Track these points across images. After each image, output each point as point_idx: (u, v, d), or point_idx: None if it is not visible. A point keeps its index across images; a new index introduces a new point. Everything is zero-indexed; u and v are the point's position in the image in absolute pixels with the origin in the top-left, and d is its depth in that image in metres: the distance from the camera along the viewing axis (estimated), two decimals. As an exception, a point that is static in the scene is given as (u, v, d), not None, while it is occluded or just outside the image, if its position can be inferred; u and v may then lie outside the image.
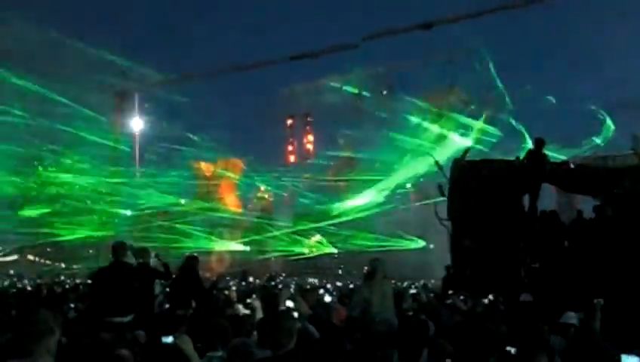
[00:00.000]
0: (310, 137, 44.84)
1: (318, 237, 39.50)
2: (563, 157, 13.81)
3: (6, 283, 21.54)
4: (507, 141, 33.09)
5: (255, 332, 5.49)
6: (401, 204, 36.21)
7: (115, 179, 37.46)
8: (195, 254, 9.45)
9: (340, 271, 35.26)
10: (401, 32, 34.61)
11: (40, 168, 36.65)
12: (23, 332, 3.83)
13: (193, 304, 7.74)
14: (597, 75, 56.73)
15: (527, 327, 4.88)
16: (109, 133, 38.80)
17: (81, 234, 35.00)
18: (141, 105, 41.44)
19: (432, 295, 10.87)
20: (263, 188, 44.16)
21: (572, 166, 10.74)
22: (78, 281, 18.97)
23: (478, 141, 33.69)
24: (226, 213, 42.23)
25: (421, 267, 29.80)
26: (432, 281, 19.28)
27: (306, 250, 39.40)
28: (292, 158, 45.28)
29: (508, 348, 4.45)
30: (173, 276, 8.11)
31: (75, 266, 34.23)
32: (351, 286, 17.66)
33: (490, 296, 7.51)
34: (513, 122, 35.24)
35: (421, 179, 33.00)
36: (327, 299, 9.15)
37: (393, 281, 13.38)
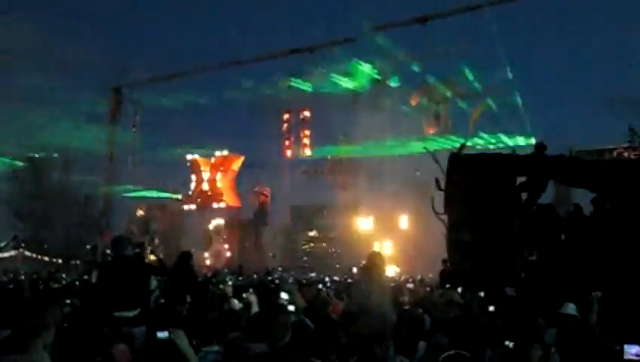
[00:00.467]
0: (307, 132, 44.78)
1: (314, 232, 39.60)
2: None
3: (4, 278, 21.49)
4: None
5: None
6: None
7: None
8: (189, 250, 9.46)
9: (338, 266, 35.29)
10: (398, 26, 34.59)
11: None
12: (20, 328, 3.83)
13: (188, 299, 7.74)
14: (593, 69, 56.80)
15: (523, 321, 4.88)
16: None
17: None
18: (136, 102, 41.34)
19: (428, 289, 10.89)
20: (260, 183, 44.16)
21: (568, 158, 10.74)
22: (72, 279, 18.90)
23: (474, 134, 33.69)
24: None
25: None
26: (430, 276, 19.30)
27: (304, 245, 39.50)
28: (289, 153, 45.21)
29: (506, 343, 4.46)
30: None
31: (72, 262, 34.20)
32: (349, 280, 17.66)
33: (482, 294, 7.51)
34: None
35: (417, 173, 32.97)
36: (324, 293, 9.16)
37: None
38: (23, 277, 20.77)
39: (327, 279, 20.68)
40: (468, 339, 4.45)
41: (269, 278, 17.98)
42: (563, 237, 9.60)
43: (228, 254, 40.02)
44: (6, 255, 36.49)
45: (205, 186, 43.59)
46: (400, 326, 5.44)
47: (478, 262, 9.32)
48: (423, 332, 5.07)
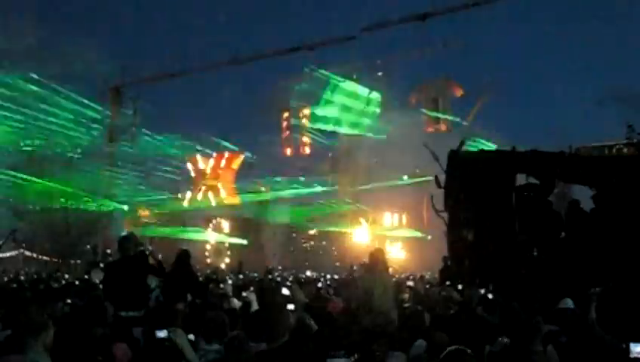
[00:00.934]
0: (307, 130, 44.72)
1: (315, 230, 39.58)
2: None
3: (5, 278, 21.51)
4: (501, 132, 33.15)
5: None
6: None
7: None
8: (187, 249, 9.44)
9: (338, 264, 35.27)
10: (398, 24, 34.56)
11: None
12: (19, 327, 3.82)
13: (188, 298, 7.74)
14: (590, 66, 56.76)
15: (521, 318, 4.87)
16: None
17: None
18: (136, 99, 41.31)
19: (427, 286, 10.90)
20: (259, 180, 44.10)
21: (568, 155, 10.74)
22: (71, 278, 18.91)
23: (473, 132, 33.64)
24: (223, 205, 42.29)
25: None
26: (429, 273, 19.30)
27: (304, 243, 39.48)
28: (289, 151, 45.17)
29: (501, 339, 4.46)
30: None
31: (72, 261, 34.18)
32: (350, 278, 17.65)
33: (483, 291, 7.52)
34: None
35: (417, 170, 32.97)
36: (324, 291, 9.17)
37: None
38: (22, 277, 20.77)
39: (328, 276, 20.67)
40: (467, 336, 4.45)
41: (270, 277, 17.99)
42: (563, 234, 9.60)
43: (228, 253, 39.99)
44: (7, 255, 36.49)
45: (205, 184, 43.53)
46: (400, 323, 5.44)
47: (479, 260, 9.31)
48: (424, 329, 5.06)
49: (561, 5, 54.38)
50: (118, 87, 40.90)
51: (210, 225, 40.56)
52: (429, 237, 30.58)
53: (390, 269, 8.25)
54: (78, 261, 34.07)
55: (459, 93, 41.29)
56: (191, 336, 4.95)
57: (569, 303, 5.56)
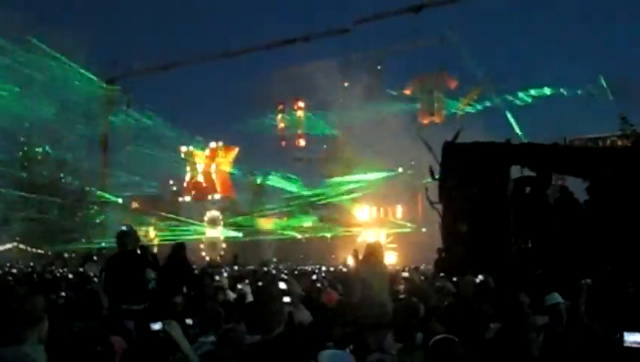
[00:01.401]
0: (302, 122, 44.68)
1: (310, 222, 39.56)
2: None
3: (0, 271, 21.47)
4: (495, 124, 33.29)
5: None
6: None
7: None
8: (183, 241, 9.44)
9: (333, 256, 35.32)
10: (392, 16, 34.48)
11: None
12: (14, 319, 3.82)
13: (184, 290, 7.74)
14: (586, 58, 56.83)
15: (508, 304, 4.90)
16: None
17: None
18: (130, 92, 41.12)
19: (422, 277, 10.93)
20: (254, 173, 44.06)
21: (561, 147, 10.77)
22: (67, 271, 18.85)
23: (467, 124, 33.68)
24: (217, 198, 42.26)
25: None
26: (423, 265, 19.35)
27: (298, 235, 39.46)
28: (283, 143, 45.14)
29: (491, 325, 4.48)
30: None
31: (66, 255, 34.10)
32: (344, 270, 17.68)
33: (481, 276, 7.54)
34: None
35: (412, 162, 33.00)
36: (318, 283, 9.19)
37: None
38: (15, 271, 20.70)
39: (323, 268, 20.69)
40: (462, 326, 4.47)
41: (265, 269, 17.99)
42: (556, 224, 9.65)
43: (223, 245, 39.97)
44: (1, 248, 36.36)
45: (200, 178, 43.47)
46: (395, 315, 5.46)
47: (473, 250, 9.36)
48: (419, 320, 5.08)
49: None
50: (112, 80, 40.70)
51: (205, 217, 40.49)
52: (424, 229, 30.66)
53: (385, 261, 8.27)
54: (72, 254, 33.99)
55: (453, 85, 41.30)
56: (189, 321, 4.96)
57: (557, 298, 5.58)
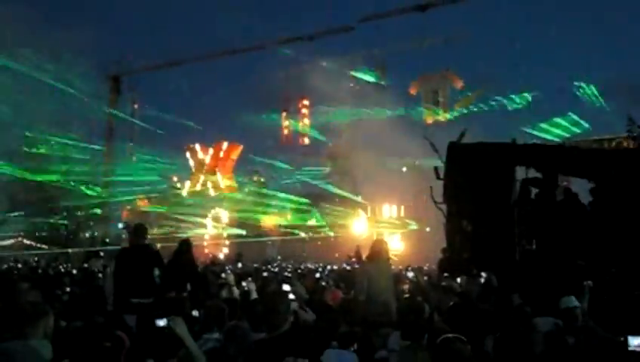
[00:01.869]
0: (306, 120, 44.70)
1: (314, 220, 39.58)
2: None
3: (4, 266, 21.59)
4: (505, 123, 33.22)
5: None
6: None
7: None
8: (189, 238, 9.48)
9: (337, 255, 35.32)
10: (397, 14, 34.42)
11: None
12: (19, 314, 3.83)
13: (188, 287, 7.75)
14: (591, 57, 56.61)
15: (512, 310, 4.86)
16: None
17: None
18: (135, 89, 41.21)
19: (426, 278, 10.93)
20: (259, 171, 44.12)
21: (567, 148, 10.73)
22: (71, 267, 18.94)
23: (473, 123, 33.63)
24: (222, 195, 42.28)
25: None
26: (427, 265, 19.33)
27: (302, 234, 39.50)
28: (287, 142, 45.19)
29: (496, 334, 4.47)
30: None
31: (70, 250, 34.19)
32: (347, 268, 17.68)
33: (484, 274, 7.51)
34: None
35: (416, 162, 32.96)
36: (323, 282, 9.20)
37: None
38: (20, 265, 20.79)
39: (328, 267, 20.70)
40: (467, 327, 4.46)
41: (268, 267, 18.02)
42: (561, 225, 9.60)
43: (227, 243, 40.03)
44: (5, 243, 36.49)
45: (204, 175, 43.57)
46: (400, 314, 5.46)
47: (477, 252, 9.33)
48: (423, 320, 5.07)
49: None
50: (117, 77, 40.80)
51: (209, 215, 40.55)
52: (428, 228, 30.63)
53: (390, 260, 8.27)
54: (77, 249, 34.11)
55: (459, 84, 41.24)
56: (195, 312, 4.97)
57: (573, 301, 5.39)
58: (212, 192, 43.08)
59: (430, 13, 32.95)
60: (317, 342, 4.43)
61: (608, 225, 8.65)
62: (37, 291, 6.75)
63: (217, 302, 5.84)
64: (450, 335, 3.52)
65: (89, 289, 8.69)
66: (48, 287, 8.56)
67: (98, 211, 37.37)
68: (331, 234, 38.32)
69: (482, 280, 7.59)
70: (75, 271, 14.66)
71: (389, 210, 37.11)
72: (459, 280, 8.45)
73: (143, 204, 41.36)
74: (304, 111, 44.35)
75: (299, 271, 16.75)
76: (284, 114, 45.08)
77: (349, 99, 40.05)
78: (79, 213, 37.33)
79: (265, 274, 12.89)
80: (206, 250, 37.51)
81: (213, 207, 41.33)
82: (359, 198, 37.72)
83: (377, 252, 7.05)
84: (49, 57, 32.38)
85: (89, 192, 36.85)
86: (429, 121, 40.08)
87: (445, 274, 9.42)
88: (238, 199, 43.26)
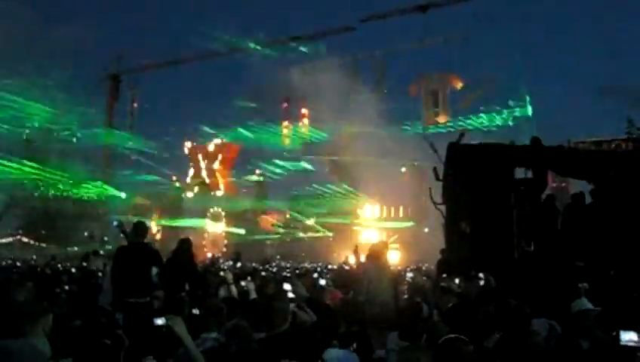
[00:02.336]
0: (306, 120, 44.71)
1: (312, 220, 39.58)
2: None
3: (2, 263, 21.61)
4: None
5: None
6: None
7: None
8: (189, 237, 9.44)
9: (336, 254, 35.33)
10: (398, 15, 34.45)
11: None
12: (18, 312, 3.83)
13: (187, 286, 7.73)
14: (591, 59, 56.71)
15: (511, 311, 4.84)
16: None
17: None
18: (134, 88, 41.20)
19: (424, 278, 10.93)
20: (258, 171, 44.08)
21: (566, 149, 10.74)
22: (69, 265, 18.91)
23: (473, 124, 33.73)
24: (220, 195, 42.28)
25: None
26: (426, 265, 19.34)
27: (301, 233, 39.51)
28: (287, 141, 45.13)
29: (496, 334, 4.47)
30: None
31: (69, 249, 34.18)
32: (346, 268, 17.66)
33: (482, 275, 7.51)
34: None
35: (415, 163, 32.96)
36: (322, 281, 9.17)
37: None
38: (19, 263, 20.79)
39: (328, 267, 20.70)
40: (466, 328, 4.46)
41: (267, 266, 18.01)
42: (560, 227, 9.61)
43: (225, 242, 40.02)
44: (3, 241, 36.48)
45: (203, 174, 43.54)
46: (399, 314, 5.46)
47: (476, 252, 9.33)
48: (421, 321, 5.08)
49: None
50: (117, 75, 40.79)
51: (208, 214, 40.54)
52: (426, 229, 30.63)
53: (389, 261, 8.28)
54: (75, 248, 34.09)
55: (459, 85, 41.25)
56: (195, 311, 4.95)
57: (586, 304, 5.08)
58: (211, 192, 43.05)
59: (430, 14, 32.98)
60: (317, 341, 4.43)
61: (607, 225, 8.66)
62: (32, 288, 6.75)
63: (216, 301, 5.83)
64: (452, 335, 3.51)
65: (88, 287, 8.68)
66: (47, 286, 8.55)
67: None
68: (330, 234, 38.32)
69: (481, 282, 7.58)
70: (73, 270, 14.62)
71: (389, 211, 37.12)
72: (457, 280, 8.44)
73: (142, 203, 41.35)
74: (304, 110, 44.34)
75: (297, 271, 16.73)
76: (283, 113, 45.10)
77: (349, 99, 40.02)
78: (78, 210, 37.34)
79: (263, 273, 12.86)
80: (205, 249, 37.53)
81: (212, 205, 41.32)
82: (358, 198, 37.70)
83: (377, 252, 7.06)
84: (49, 57, 32.40)
85: (89, 189, 36.88)
86: (429, 121, 40.11)
87: (444, 275, 9.42)
88: (237, 198, 43.28)
